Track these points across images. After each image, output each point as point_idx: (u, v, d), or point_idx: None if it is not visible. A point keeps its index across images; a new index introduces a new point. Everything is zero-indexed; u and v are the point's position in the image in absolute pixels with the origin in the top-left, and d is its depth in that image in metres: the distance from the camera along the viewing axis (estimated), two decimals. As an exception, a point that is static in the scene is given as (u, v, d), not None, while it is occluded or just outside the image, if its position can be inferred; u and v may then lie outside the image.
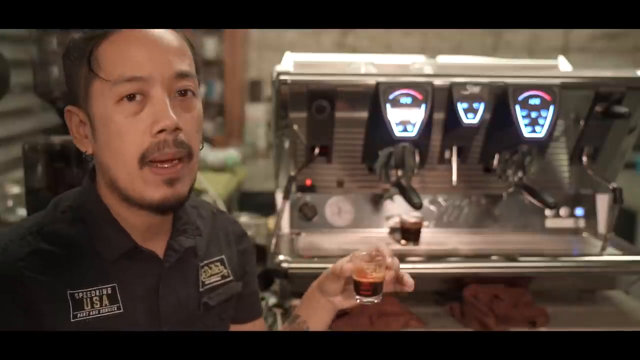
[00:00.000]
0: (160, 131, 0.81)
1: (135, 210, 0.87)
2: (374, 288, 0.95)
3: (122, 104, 0.81)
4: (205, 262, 1.00)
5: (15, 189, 1.87)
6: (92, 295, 0.85)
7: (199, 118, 0.87)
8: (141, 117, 0.82)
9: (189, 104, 0.86)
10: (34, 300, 0.81)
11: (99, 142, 0.85)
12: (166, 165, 0.83)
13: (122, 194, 0.85)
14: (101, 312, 0.85)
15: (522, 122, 1.43)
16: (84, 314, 0.84)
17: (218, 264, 1.02)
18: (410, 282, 0.99)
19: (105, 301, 0.86)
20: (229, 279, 1.02)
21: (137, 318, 0.88)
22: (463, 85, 1.43)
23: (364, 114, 1.51)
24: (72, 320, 0.83)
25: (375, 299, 0.96)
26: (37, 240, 0.85)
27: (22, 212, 1.80)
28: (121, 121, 0.82)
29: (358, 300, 0.97)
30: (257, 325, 1.13)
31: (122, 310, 0.87)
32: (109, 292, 0.86)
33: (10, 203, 1.85)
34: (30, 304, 0.81)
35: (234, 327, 1.08)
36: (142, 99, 0.82)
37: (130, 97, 0.81)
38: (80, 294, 0.84)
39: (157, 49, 0.83)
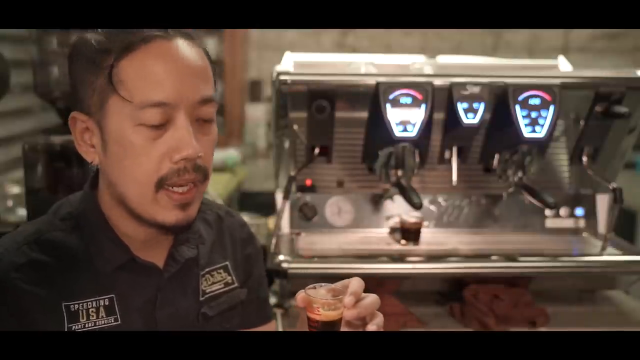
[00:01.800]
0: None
1: (139, 225, 0.85)
2: (324, 327, 0.81)
3: (141, 127, 0.79)
4: (207, 269, 0.98)
5: (15, 189, 1.86)
6: (89, 307, 0.84)
7: (215, 140, 0.86)
8: (162, 142, 0.79)
9: (208, 127, 0.84)
10: (27, 311, 0.81)
11: (109, 157, 0.82)
12: (181, 190, 0.82)
13: (131, 211, 0.84)
14: (97, 324, 0.84)
15: (522, 122, 1.43)
16: (79, 326, 0.83)
17: (221, 271, 1.00)
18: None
19: (102, 313, 0.85)
20: (232, 286, 1.00)
21: (134, 330, 0.87)
22: (463, 85, 1.43)
23: (364, 114, 1.51)
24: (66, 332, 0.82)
25: None
26: (33, 250, 0.83)
27: (22, 212, 1.80)
28: (140, 144, 0.79)
29: None
30: (268, 330, 1.10)
31: (119, 322, 0.86)
32: (107, 303, 0.85)
33: (10, 203, 1.85)
34: (24, 315, 0.80)
35: None
36: (164, 123, 0.80)
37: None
38: (75, 305, 0.83)
39: (185, 72, 0.80)
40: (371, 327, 0.81)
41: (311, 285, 0.83)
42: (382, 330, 0.83)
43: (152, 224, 0.84)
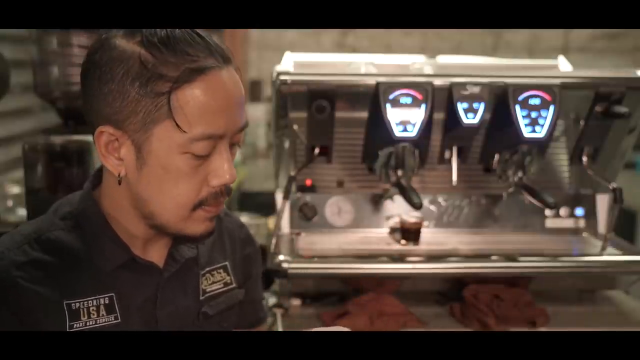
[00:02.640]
0: None
1: (149, 228, 0.86)
2: None
3: (190, 155, 0.80)
4: (207, 269, 0.98)
5: (15, 189, 1.86)
6: (89, 306, 0.84)
7: (234, 158, 0.88)
8: (203, 168, 0.82)
9: (236, 150, 0.87)
10: (29, 310, 0.81)
11: (146, 176, 0.81)
12: (215, 206, 0.85)
13: (158, 225, 0.85)
14: (98, 322, 0.85)
15: (522, 122, 1.43)
16: (81, 324, 0.83)
17: (221, 270, 1.00)
18: None
19: (103, 311, 0.85)
20: (231, 286, 1.01)
21: (134, 328, 0.87)
22: (463, 85, 1.43)
23: (364, 114, 1.51)
24: (68, 330, 0.82)
25: None
26: (34, 248, 0.84)
27: (22, 212, 1.79)
28: (184, 169, 0.80)
29: None
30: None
31: (119, 321, 0.86)
32: (107, 302, 0.86)
33: (10, 203, 1.85)
34: (25, 314, 0.81)
35: None
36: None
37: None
38: (77, 304, 0.84)
39: (234, 104, 0.82)
40: None
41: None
42: None
43: (176, 235, 0.87)
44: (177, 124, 0.78)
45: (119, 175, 0.83)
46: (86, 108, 0.83)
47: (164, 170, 0.80)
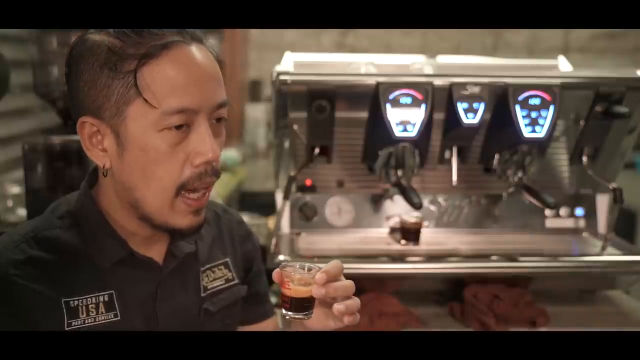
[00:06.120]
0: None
1: (145, 225, 0.86)
2: (293, 303, 0.82)
3: (165, 133, 0.79)
4: (208, 266, 0.98)
5: (15, 189, 1.86)
6: (88, 303, 0.84)
7: (224, 141, 0.87)
8: (183, 147, 0.81)
9: (220, 129, 0.86)
10: (27, 308, 0.81)
11: (128, 163, 0.82)
12: (196, 197, 0.83)
13: (144, 215, 0.84)
14: (97, 319, 0.84)
15: (522, 122, 1.43)
16: (79, 322, 0.83)
17: (222, 267, 1.01)
18: (338, 310, 0.81)
19: (102, 309, 0.85)
20: (233, 283, 1.01)
21: (135, 325, 0.87)
22: (463, 85, 1.43)
23: (364, 114, 1.51)
24: (66, 328, 0.82)
25: (296, 315, 0.82)
26: (32, 247, 0.83)
27: (22, 212, 1.79)
28: (163, 149, 0.80)
29: (283, 314, 0.84)
30: (268, 326, 1.11)
31: (119, 318, 0.86)
32: (106, 299, 0.86)
33: (10, 203, 1.85)
34: (23, 312, 0.80)
35: (244, 329, 1.07)
36: (186, 128, 0.81)
37: (177, 127, 0.80)
38: (75, 301, 0.83)
39: (205, 78, 0.81)
40: (338, 307, 0.81)
41: (290, 263, 0.84)
42: (353, 314, 0.83)
43: (163, 228, 0.85)
44: (144, 99, 0.78)
45: (103, 167, 0.83)
46: (71, 105, 0.85)
47: (142, 152, 0.80)
